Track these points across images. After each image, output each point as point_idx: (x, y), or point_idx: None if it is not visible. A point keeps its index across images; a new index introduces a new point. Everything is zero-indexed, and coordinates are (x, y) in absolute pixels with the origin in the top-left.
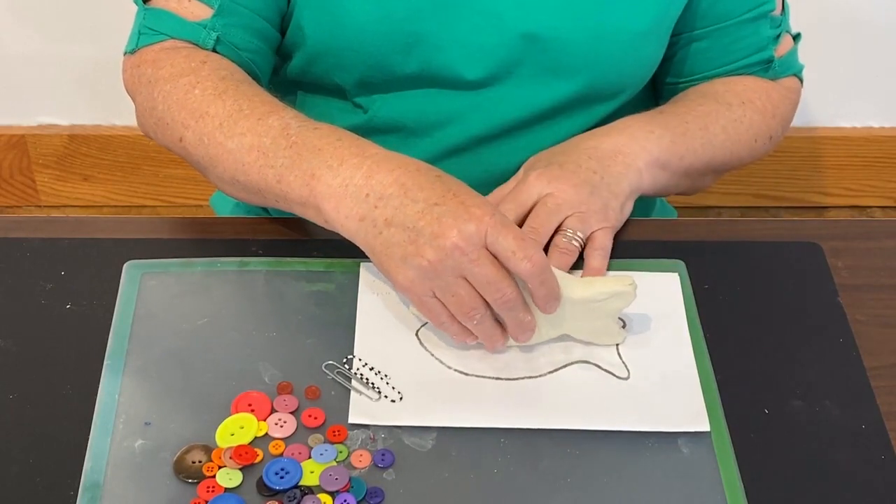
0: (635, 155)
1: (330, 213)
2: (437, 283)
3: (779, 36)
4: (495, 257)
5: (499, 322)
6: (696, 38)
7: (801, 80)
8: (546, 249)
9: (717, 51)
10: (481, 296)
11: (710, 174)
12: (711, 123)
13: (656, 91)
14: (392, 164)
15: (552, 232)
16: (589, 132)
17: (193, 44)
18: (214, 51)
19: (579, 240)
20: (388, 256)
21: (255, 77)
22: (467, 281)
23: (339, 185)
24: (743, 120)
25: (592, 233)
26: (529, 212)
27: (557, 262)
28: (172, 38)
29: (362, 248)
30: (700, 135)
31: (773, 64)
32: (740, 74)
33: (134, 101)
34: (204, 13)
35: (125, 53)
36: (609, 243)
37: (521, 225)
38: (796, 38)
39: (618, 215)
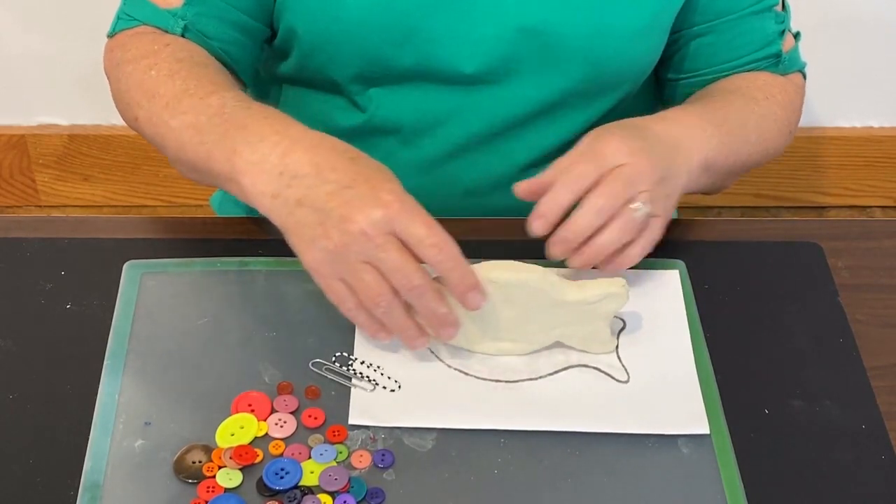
0: (691, 152)
1: (247, 188)
2: (343, 268)
3: (783, 31)
4: (405, 244)
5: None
6: (698, 33)
7: (804, 77)
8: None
9: (720, 46)
10: (390, 284)
11: (739, 173)
12: (747, 121)
13: (659, 87)
14: (309, 143)
15: (622, 204)
16: (645, 118)
17: (163, 30)
18: (183, 37)
19: (645, 217)
20: (298, 236)
21: (230, 67)
22: (375, 267)
23: (257, 161)
24: (769, 115)
25: (650, 218)
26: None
27: (614, 237)
28: (144, 23)
29: (277, 225)
30: (739, 133)
31: (782, 58)
32: (750, 70)
33: (109, 84)
34: (176, 1)
35: (107, 38)
36: (659, 236)
37: (589, 190)
38: (796, 36)
39: (672, 209)
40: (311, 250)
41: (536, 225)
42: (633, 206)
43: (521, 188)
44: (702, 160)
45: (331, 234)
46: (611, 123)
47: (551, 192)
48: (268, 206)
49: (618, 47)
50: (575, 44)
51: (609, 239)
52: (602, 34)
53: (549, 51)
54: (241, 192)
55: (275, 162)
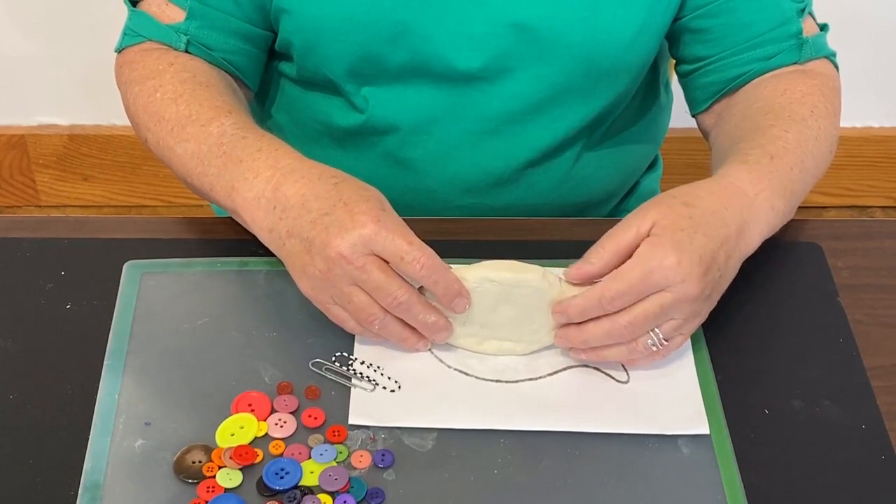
0: (752, 241)
1: (248, 223)
2: (334, 292)
3: (803, 10)
4: (386, 261)
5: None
6: (709, 14)
7: (835, 67)
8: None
9: (734, 26)
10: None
11: None
12: (804, 155)
13: (684, 90)
14: (297, 174)
15: (643, 333)
16: (724, 188)
17: (168, 46)
18: (187, 52)
19: (660, 346)
20: (291, 266)
21: (236, 76)
22: (361, 287)
23: (253, 197)
24: (820, 133)
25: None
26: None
27: (619, 354)
28: (150, 40)
29: (277, 256)
30: (800, 178)
31: (803, 41)
32: (772, 57)
33: (122, 100)
34: (178, 16)
35: (115, 53)
36: (677, 348)
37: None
38: (823, 28)
39: (705, 317)
40: (302, 278)
41: (556, 317)
42: (648, 342)
43: (571, 274)
44: (762, 239)
45: (315, 261)
46: (684, 204)
47: (586, 298)
48: (266, 240)
49: (610, 41)
50: (567, 38)
51: (613, 355)
52: (594, 28)
53: (542, 46)
54: (244, 224)
55: (269, 196)
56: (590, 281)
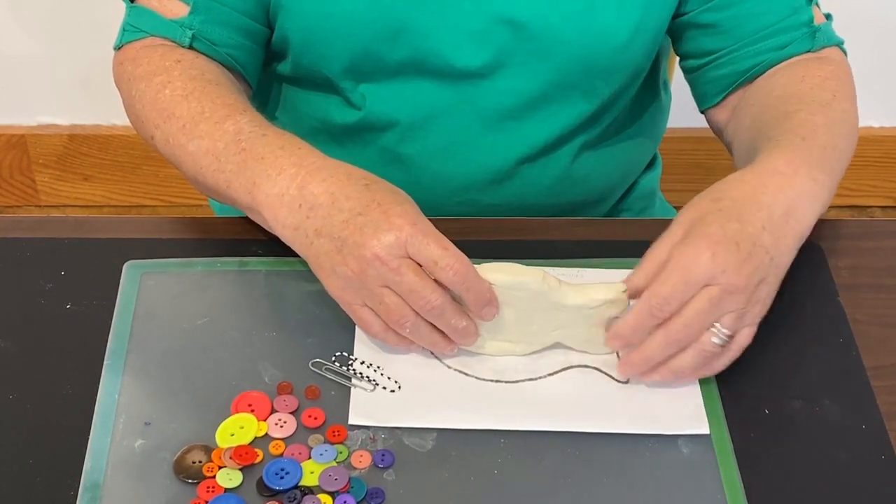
0: (804, 217)
1: (269, 220)
2: (365, 293)
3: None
4: (420, 265)
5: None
6: (716, 7)
7: (845, 54)
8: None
9: (743, 17)
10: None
11: None
12: (836, 137)
13: (690, 85)
14: (325, 173)
15: (703, 331)
16: (754, 180)
17: (171, 41)
18: (192, 47)
19: (726, 341)
20: (319, 266)
21: (237, 73)
22: (393, 290)
23: (276, 194)
24: (845, 117)
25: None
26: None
27: (688, 362)
28: (152, 35)
29: (301, 255)
30: (835, 157)
31: (816, 28)
32: (785, 48)
33: (121, 96)
34: (182, 11)
35: (114, 50)
36: (748, 343)
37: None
38: (828, 17)
39: (769, 304)
40: (332, 278)
41: (614, 344)
42: (713, 339)
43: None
44: (816, 218)
45: (348, 261)
46: (712, 200)
47: (635, 314)
48: (290, 238)
49: (606, 39)
50: (563, 36)
51: (684, 364)
52: (589, 25)
53: (538, 43)
54: (264, 222)
55: (294, 194)
56: (639, 295)
